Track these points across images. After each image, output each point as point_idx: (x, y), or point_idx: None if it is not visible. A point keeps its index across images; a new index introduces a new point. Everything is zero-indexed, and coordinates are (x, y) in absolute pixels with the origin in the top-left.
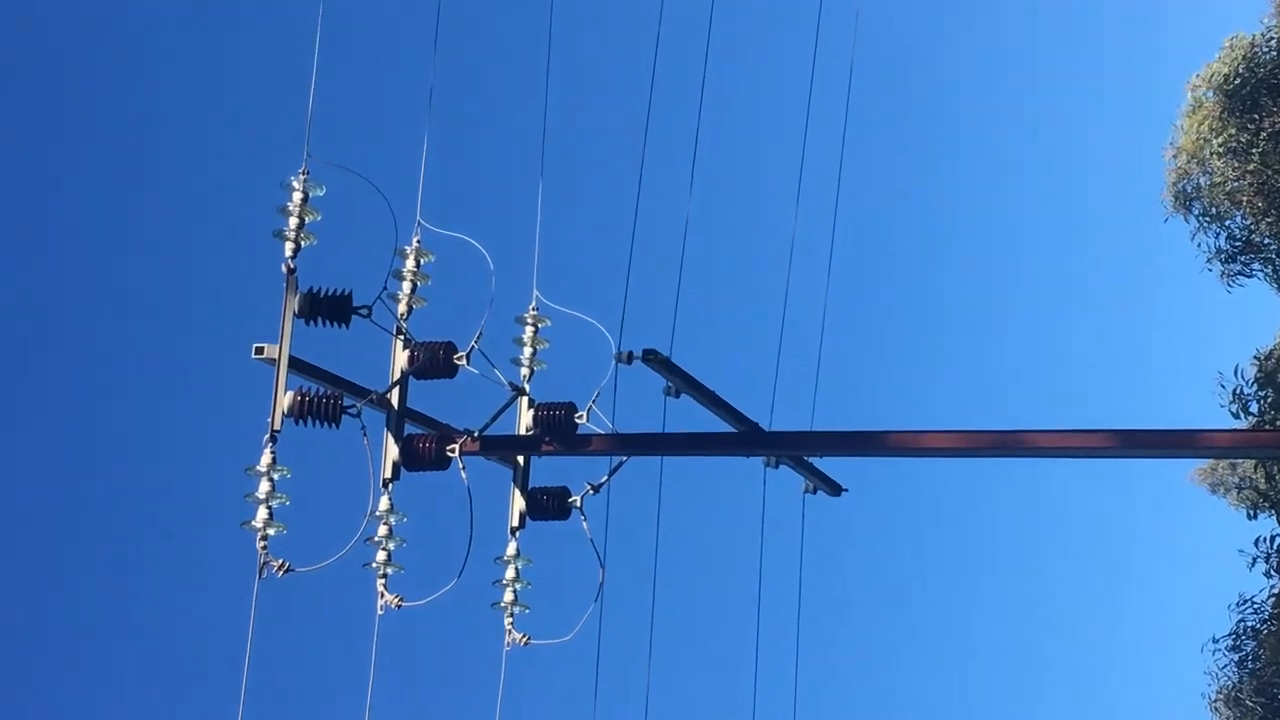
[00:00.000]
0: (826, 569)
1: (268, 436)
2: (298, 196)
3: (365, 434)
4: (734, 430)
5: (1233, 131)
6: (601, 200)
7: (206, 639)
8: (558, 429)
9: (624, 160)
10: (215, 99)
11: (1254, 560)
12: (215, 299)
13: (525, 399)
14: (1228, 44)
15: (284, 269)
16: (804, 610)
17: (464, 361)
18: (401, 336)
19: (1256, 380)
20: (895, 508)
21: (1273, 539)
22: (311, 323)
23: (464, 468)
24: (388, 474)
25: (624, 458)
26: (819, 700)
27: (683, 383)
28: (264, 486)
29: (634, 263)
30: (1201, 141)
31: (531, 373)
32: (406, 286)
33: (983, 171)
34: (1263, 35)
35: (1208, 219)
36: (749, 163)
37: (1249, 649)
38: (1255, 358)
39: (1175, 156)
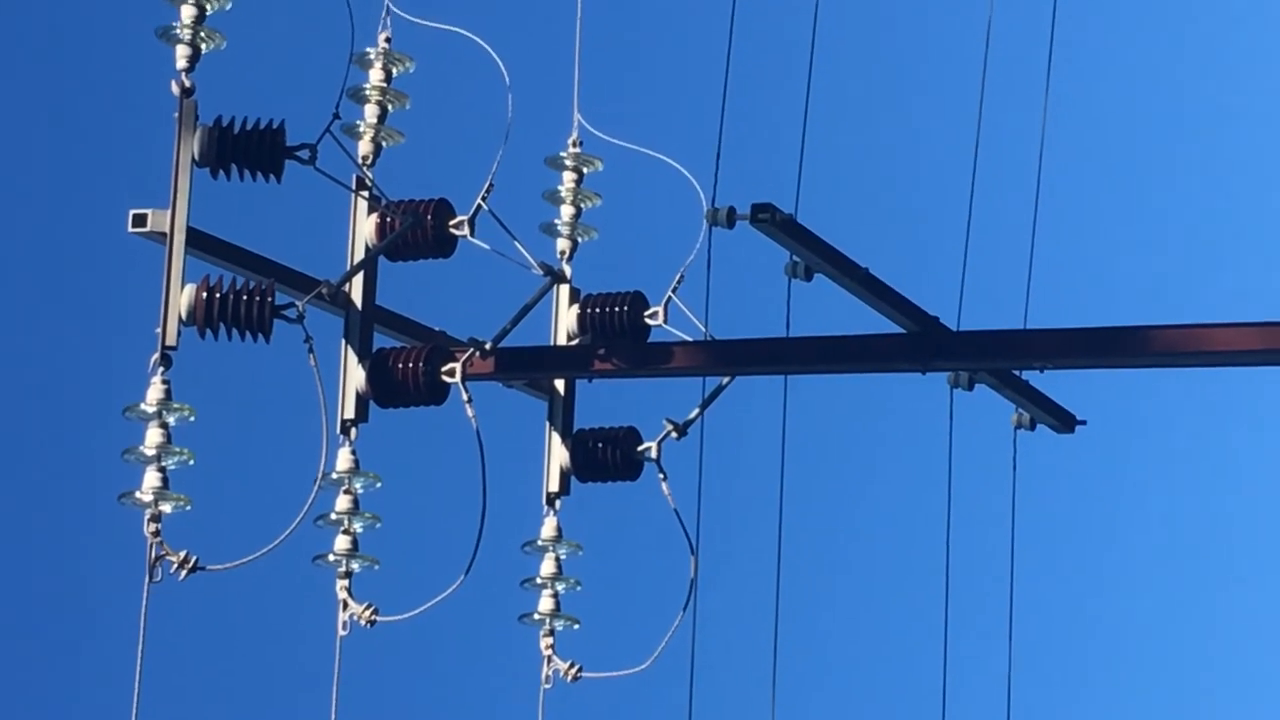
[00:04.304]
0: (1051, 545)
1: (156, 357)
2: None
3: (312, 350)
4: (902, 331)
5: None
6: None
7: (74, 659)
8: (619, 334)
9: None
10: None
11: None
12: (66, 137)
13: (565, 288)
14: None
15: (175, 89)
16: (1019, 609)
17: (465, 231)
18: (366, 193)
19: None
20: (1161, 450)
21: None
22: (222, 174)
23: (469, 399)
24: (349, 413)
25: (725, 378)
26: None
27: (817, 255)
28: (153, 437)
29: (734, 76)
30: None
31: (574, 247)
32: (371, 114)
33: None
34: None
35: None
36: None
37: None
38: None
39: None
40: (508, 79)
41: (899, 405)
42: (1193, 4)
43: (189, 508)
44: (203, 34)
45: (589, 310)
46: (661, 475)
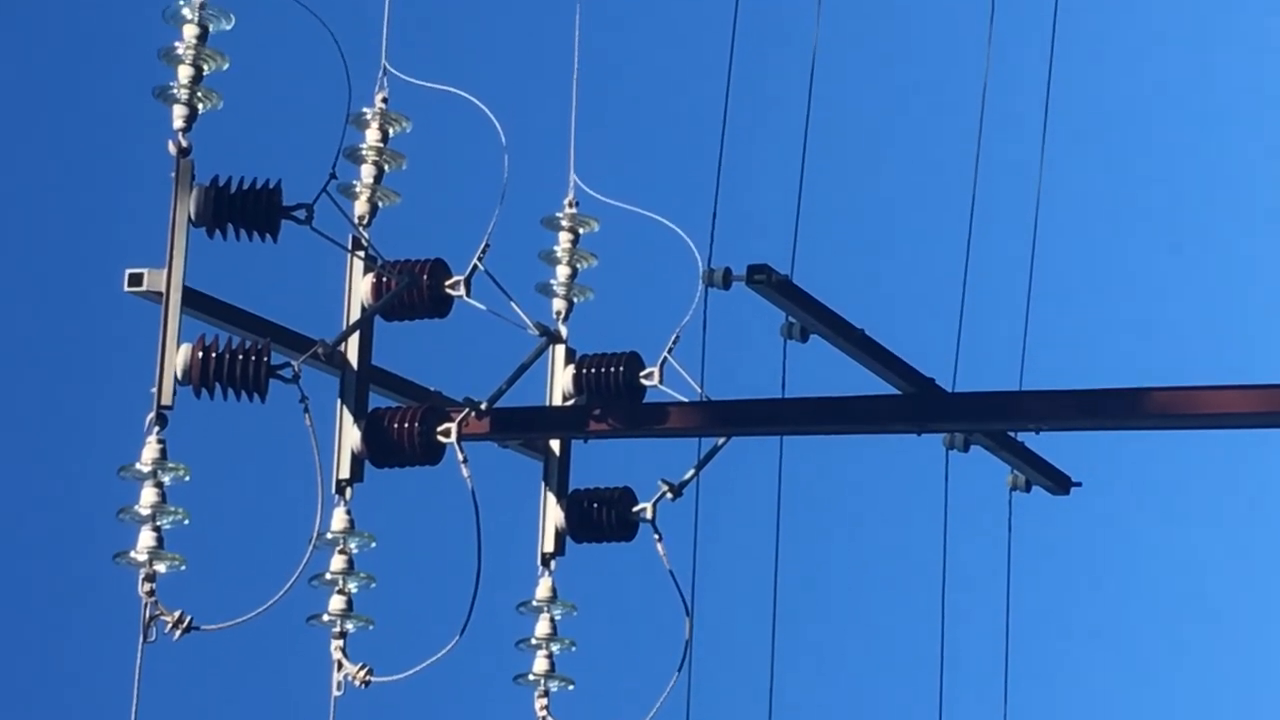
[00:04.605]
0: (1046, 607)
1: (152, 416)
2: (191, 32)
3: (307, 409)
4: (898, 393)
5: None
6: (678, 43)
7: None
8: (615, 395)
9: None
10: None
11: None
12: (63, 196)
13: (561, 349)
14: None
15: (171, 149)
16: (1014, 671)
17: (461, 291)
18: (362, 253)
19: None
20: (1157, 512)
21: None
22: (218, 234)
23: (465, 459)
24: (344, 473)
25: (721, 439)
26: None
27: (813, 316)
28: (148, 497)
29: (730, 138)
30: None
31: (570, 307)
32: (368, 174)
33: None
34: None
35: None
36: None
37: None
38: None
39: None
40: (504, 140)
41: (894, 467)
42: (1184, 61)
43: (184, 567)
44: (199, 94)
45: (584, 371)
46: (657, 536)
